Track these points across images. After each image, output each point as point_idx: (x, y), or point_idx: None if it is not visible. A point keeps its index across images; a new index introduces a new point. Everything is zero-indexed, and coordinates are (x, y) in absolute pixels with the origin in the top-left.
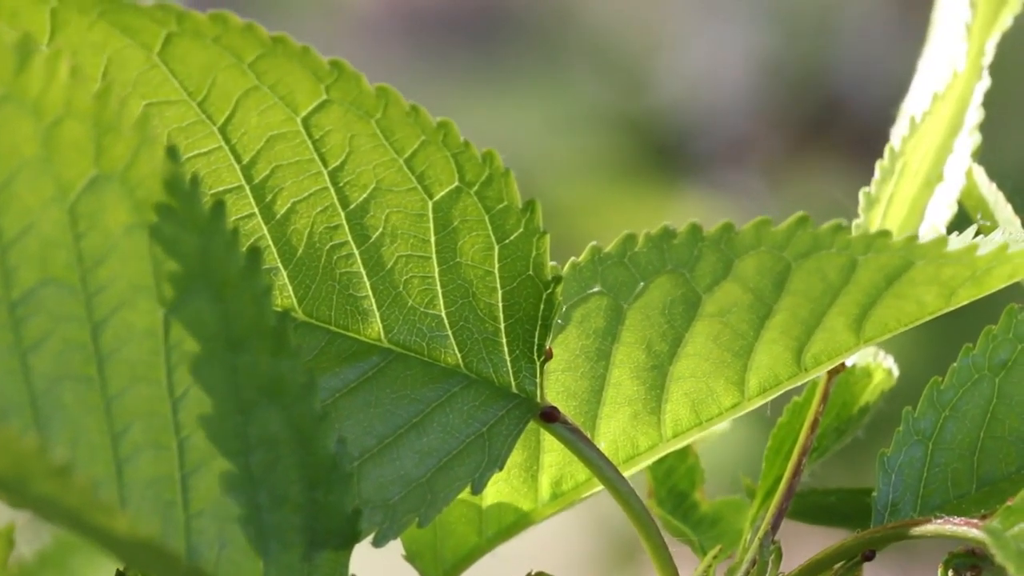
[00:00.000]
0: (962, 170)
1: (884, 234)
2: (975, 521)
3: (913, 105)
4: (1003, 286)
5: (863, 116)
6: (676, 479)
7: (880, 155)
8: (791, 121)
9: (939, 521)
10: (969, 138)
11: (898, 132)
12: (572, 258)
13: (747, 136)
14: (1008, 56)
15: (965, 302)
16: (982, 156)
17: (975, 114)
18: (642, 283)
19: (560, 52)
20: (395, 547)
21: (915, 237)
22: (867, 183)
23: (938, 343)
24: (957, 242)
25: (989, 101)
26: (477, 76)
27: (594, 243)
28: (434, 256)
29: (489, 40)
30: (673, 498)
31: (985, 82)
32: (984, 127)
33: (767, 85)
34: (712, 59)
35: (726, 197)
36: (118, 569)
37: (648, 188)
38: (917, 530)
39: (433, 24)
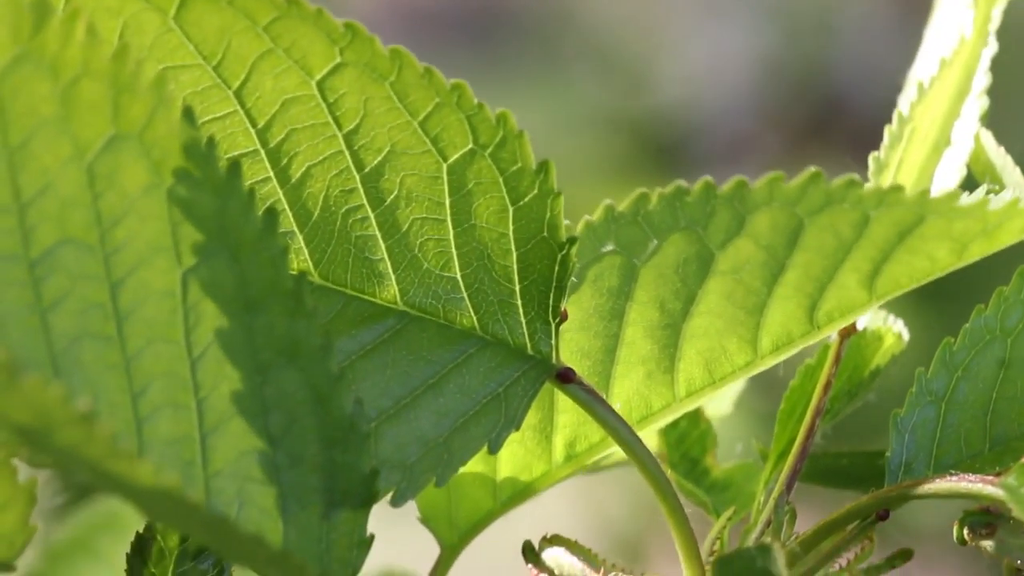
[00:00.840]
0: (970, 134)
1: (896, 189)
2: (991, 478)
3: (921, 71)
4: (1014, 241)
5: (863, 116)
6: (688, 444)
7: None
8: (791, 121)
9: (953, 479)
10: (977, 102)
11: (906, 98)
12: (586, 216)
13: (747, 136)
14: (1008, 55)
15: (977, 258)
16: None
17: (983, 79)
18: (655, 241)
19: (560, 52)
20: (410, 512)
21: (927, 191)
22: (867, 180)
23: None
24: (969, 198)
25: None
26: (477, 76)
27: (608, 201)
28: (449, 218)
29: (489, 40)
30: (685, 463)
31: (992, 47)
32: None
33: (767, 85)
34: (712, 59)
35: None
36: (137, 531)
37: (648, 187)
38: (931, 488)
39: (433, 24)
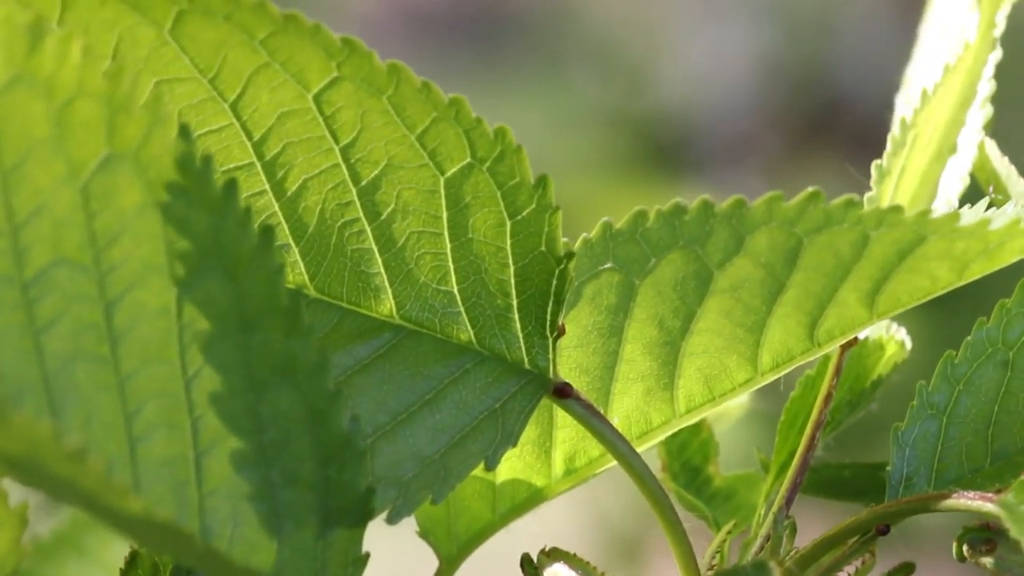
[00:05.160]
0: (974, 142)
1: (896, 209)
2: (990, 495)
3: (922, 76)
4: (1016, 260)
5: (863, 116)
6: (690, 453)
7: (880, 155)
8: (791, 121)
9: (954, 496)
10: (981, 110)
11: (907, 102)
12: (584, 234)
13: (747, 136)
14: (1012, 60)
15: (978, 276)
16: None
17: (987, 86)
18: (654, 259)
19: (560, 52)
20: (408, 524)
21: (927, 212)
22: (867, 183)
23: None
24: (969, 216)
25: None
26: (477, 76)
27: (606, 219)
28: (446, 232)
29: (489, 40)
30: (687, 472)
31: (997, 53)
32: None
33: (767, 85)
34: (712, 59)
35: (726, 197)
36: (132, 549)
37: (648, 188)
38: (932, 504)
39: (433, 24)
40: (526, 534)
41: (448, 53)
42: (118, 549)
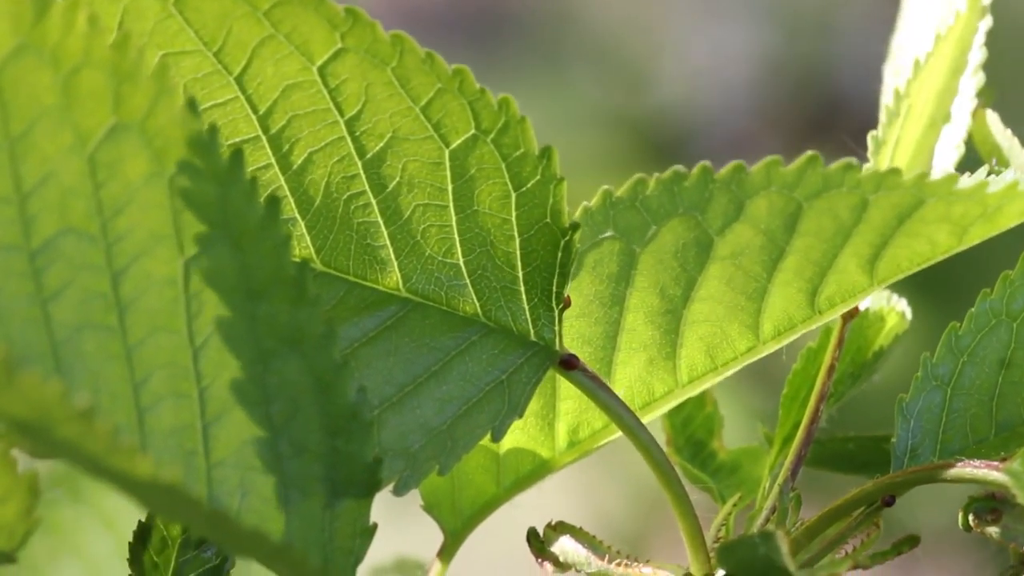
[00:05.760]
0: (967, 110)
1: (895, 172)
2: (995, 464)
3: (911, 45)
4: (1015, 224)
5: (863, 116)
6: (694, 427)
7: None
8: (791, 120)
9: (959, 465)
10: (973, 78)
11: (900, 74)
12: (584, 203)
13: (747, 135)
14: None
15: (977, 241)
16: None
17: (978, 53)
18: (654, 227)
19: (560, 52)
20: (413, 498)
21: (926, 175)
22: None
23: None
24: (968, 180)
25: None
26: (477, 76)
27: (605, 187)
28: (451, 205)
29: (489, 40)
30: (691, 446)
31: (987, 21)
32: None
33: (768, 84)
34: (713, 58)
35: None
36: (140, 522)
37: None
38: (937, 474)
39: (433, 24)
40: (528, 519)
41: (448, 53)
42: (113, 496)
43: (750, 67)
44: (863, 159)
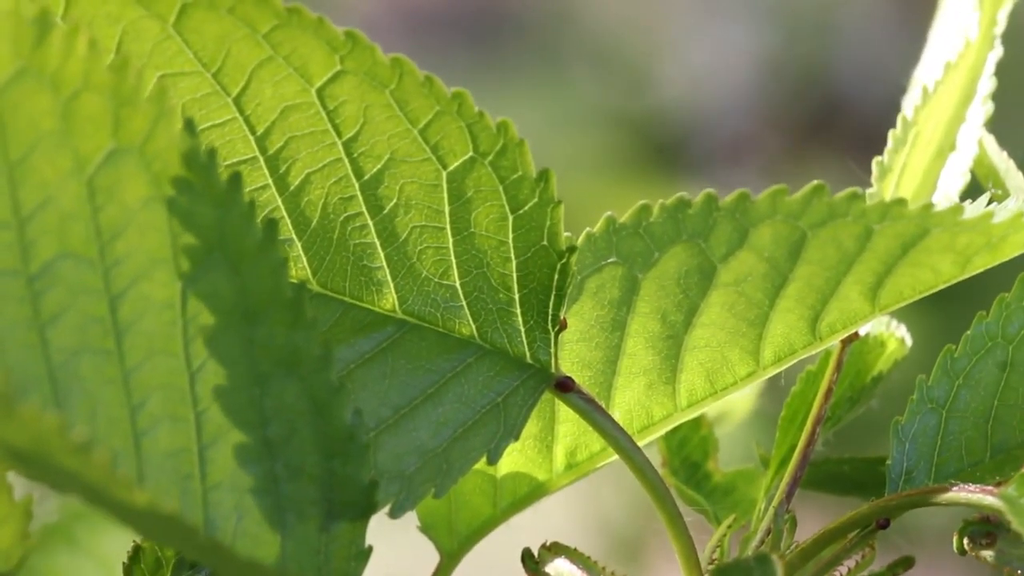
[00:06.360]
0: (974, 139)
1: (900, 202)
2: (990, 488)
3: (925, 75)
4: (1018, 253)
5: (863, 116)
6: (690, 449)
7: (881, 154)
8: (791, 121)
9: (954, 489)
10: (981, 107)
11: (910, 102)
12: (587, 229)
13: (747, 136)
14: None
15: (980, 270)
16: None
17: (987, 83)
18: (657, 253)
19: (560, 52)
20: (409, 520)
21: (931, 205)
22: (867, 183)
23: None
24: (972, 210)
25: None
26: (477, 76)
27: (609, 213)
28: (448, 226)
29: (489, 40)
30: (687, 468)
31: (998, 51)
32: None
33: (767, 85)
34: (712, 59)
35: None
36: (135, 543)
37: (648, 187)
38: (932, 498)
39: (433, 24)
40: (527, 530)
41: (448, 53)
42: (109, 541)
43: (750, 67)
44: (861, 159)
